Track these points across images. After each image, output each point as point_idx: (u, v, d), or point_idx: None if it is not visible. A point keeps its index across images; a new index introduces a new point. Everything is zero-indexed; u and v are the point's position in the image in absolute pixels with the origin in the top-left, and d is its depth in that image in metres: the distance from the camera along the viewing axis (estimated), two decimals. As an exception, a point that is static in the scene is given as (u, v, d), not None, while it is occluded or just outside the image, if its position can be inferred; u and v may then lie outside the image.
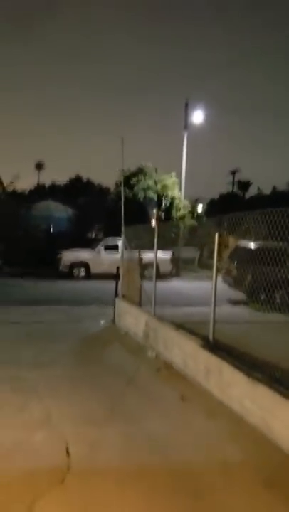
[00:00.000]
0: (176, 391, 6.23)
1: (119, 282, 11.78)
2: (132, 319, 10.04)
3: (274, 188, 55.01)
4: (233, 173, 62.92)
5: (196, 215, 52.14)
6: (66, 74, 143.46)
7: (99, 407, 5.54)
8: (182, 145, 25.62)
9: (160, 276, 20.13)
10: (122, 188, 13.28)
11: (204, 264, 20.89)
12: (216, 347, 6.48)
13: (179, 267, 23.89)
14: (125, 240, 11.77)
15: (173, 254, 22.40)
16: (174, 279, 22.12)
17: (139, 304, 10.24)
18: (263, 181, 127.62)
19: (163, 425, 5.13)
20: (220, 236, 6.86)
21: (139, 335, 9.33)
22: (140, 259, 11.13)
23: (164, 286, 17.30)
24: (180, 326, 7.84)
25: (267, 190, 56.83)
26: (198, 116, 25.68)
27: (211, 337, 6.65)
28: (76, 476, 3.91)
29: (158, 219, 21.37)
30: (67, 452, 4.31)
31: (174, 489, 3.79)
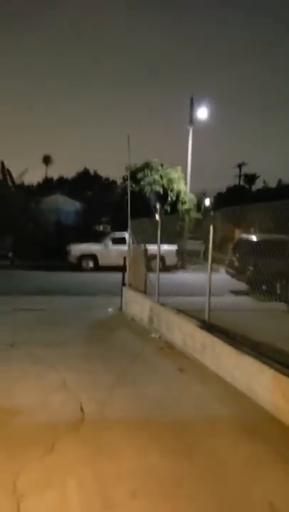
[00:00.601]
0: (176, 364, 7.07)
1: (126, 272, 12.60)
2: (138, 306, 10.88)
3: (279, 181, 55.61)
4: (240, 166, 63.45)
5: (203, 208, 52.73)
6: (73, 68, 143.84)
7: (108, 376, 6.40)
8: (190, 137, 26.33)
9: (166, 268, 21.09)
10: (128, 184, 14.05)
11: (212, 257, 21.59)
12: (211, 327, 7.31)
13: (184, 260, 24.70)
14: (131, 233, 12.57)
15: (178, 247, 23.20)
16: (179, 271, 22.96)
17: (145, 292, 11.06)
18: (269, 174, 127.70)
19: (163, 390, 5.98)
20: (215, 229, 7.64)
21: (145, 320, 10.17)
22: (145, 251, 11.96)
23: (169, 277, 18.14)
24: (180, 311, 8.67)
25: (272, 184, 57.47)
26: (203, 112, 26.28)
27: (207, 318, 7.47)
28: (89, 426, 4.77)
29: (161, 213, 22.20)
30: (81, 409, 5.17)
31: (168, 433, 4.64)
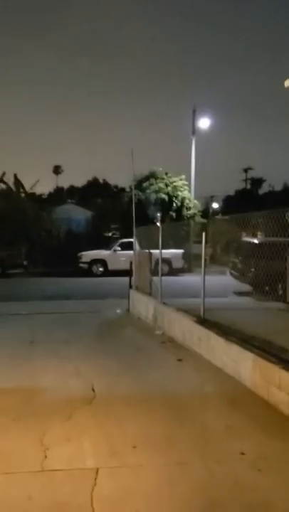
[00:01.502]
0: (175, 356, 8.06)
1: (132, 276, 13.63)
2: (144, 306, 11.90)
3: (285, 184, 56.44)
4: (246, 170, 64.37)
5: (211, 211, 53.56)
6: (83, 78, 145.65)
7: (115, 365, 7.42)
8: (193, 147, 27.41)
9: (173, 271, 22.08)
10: (132, 195, 15.08)
11: (217, 261, 22.55)
12: (205, 322, 8.30)
13: (190, 263, 25.68)
14: (136, 239, 13.60)
15: (184, 250, 24.19)
16: (186, 274, 23.93)
17: (150, 294, 12.06)
18: (274, 178, 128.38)
19: (162, 375, 6.99)
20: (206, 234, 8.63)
21: (149, 318, 11.18)
22: (150, 256, 12.96)
23: (175, 280, 19.16)
24: (180, 309, 9.65)
25: (278, 187, 58.31)
26: (205, 122, 27.41)
27: (202, 314, 8.47)
28: (99, 401, 5.80)
29: (165, 220, 23.28)
30: (93, 390, 6.20)
31: (165, 407, 5.63)
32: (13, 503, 3.58)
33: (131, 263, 13.87)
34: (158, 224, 11.85)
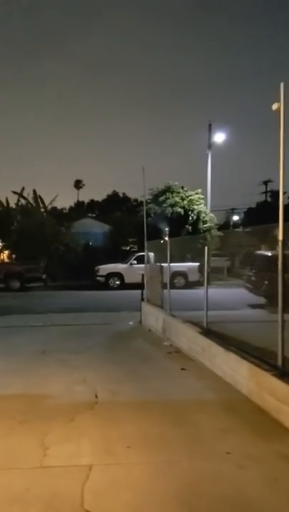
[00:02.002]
0: (180, 365, 8.39)
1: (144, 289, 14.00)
2: (154, 318, 12.26)
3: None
4: (266, 183, 64.37)
5: (232, 224, 53.53)
6: (101, 93, 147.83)
7: (120, 374, 7.78)
8: (209, 161, 27.86)
9: (189, 284, 22.38)
10: (144, 210, 15.49)
11: (235, 273, 22.75)
12: (209, 332, 8.62)
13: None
14: (149, 252, 13.99)
15: (200, 264, 24.46)
16: (202, 287, 24.18)
17: (161, 307, 12.40)
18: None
19: (165, 383, 7.32)
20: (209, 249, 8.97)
21: (159, 330, 11.52)
22: (161, 269, 13.31)
23: (190, 292, 19.38)
24: (187, 320, 9.97)
25: (298, 199, 58.10)
26: (220, 137, 27.85)
27: (205, 326, 8.80)
28: (101, 406, 6.18)
29: (177, 235, 23.62)
30: (96, 396, 6.58)
31: (164, 412, 5.97)
32: (12, 494, 3.97)
33: (143, 276, 14.25)
34: (166, 238, 12.17)
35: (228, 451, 4.78)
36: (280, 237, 6.05)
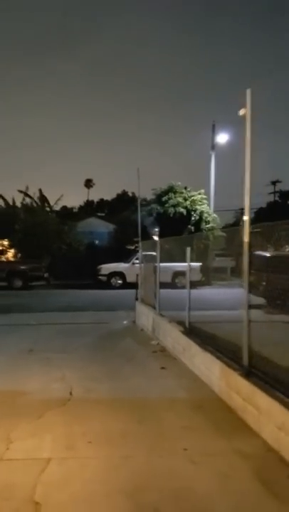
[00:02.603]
0: (161, 364, 8.53)
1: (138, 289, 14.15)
2: (145, 318, 12.41)
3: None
4: (274, 183, 64.22)
5: (241, 224, 53.41)
6: (107, 93, 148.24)
7: (100, 373, 7.94)
8: (216, 161, 27.96)
9: (191, 284, 22.42)
10: (138, 212, 15.63)
11: (238, 274, 22.71)
12: (190, 332, 8.75)
13: (209, 276, 25.99)
14: (141, 253, 14.15)
15: (202, 264, 24.55)
16: (204, 287, 24.29)
17: (153, 306, 12.53)
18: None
19: (141, 382, 7.47)
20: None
21: (150, 329, 11.67)
22: (154, 269, 13.44)
23: (191, 292, 19.40)
24: (173, 320, 10.10)
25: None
26: (223, 137, 27.89)
27: (187, 325, 8.93)
28: (73, 403, 6.35)
29: (179, 234, 23.73)
30: (71, 393, 6.75)
31: (132, 409, 6.11)
32: None
33: (137, 276, 14.40)
34: (155, 238, 12.32)
35: (185, 448, 4.92)
36: (246, 239, 6.16)
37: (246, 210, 6.20)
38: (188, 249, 9.13)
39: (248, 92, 5.87)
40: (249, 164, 5.98)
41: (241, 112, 5.96)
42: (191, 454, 4.79)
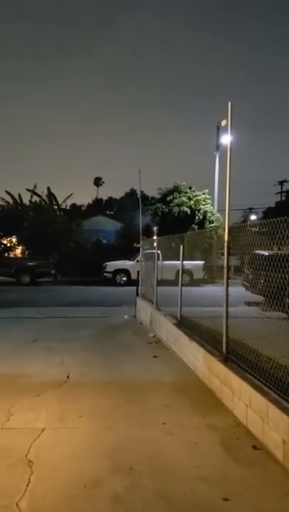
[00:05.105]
0: (154, 353, 9.20)
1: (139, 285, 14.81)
2: (144, 312, 13.07)
3: None
4: (281, 183, 64.45)
5: (249, 223, 53.79)
6: (116, 94, 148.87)
7: (96, 360, 8.63)
8: (221, 162, 28.48)
9: (194, 281, 23.08)
10: (139, 210, 16.28)
11: (241, 272, 23.29)
12: (181, 324, 9.41)
13: (212, 274, 26.58)
14: (142, 250, 14.81)
15: (205, 262, 25.18)
16: (207, 284, 24.91)
17: (152, 302, 13.19)
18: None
19: (133, 368, 8.15)
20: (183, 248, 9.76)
21: (148, 323, 12.34)
22: (154, 266, 14.09)
23: (193, 290, 20.01)
24: (168, 314, 10.76)
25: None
26: (227, 139, 28.37)
27: (178, 318, 9.59)
28: (69, 385, 7.05)
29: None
30: (68, 376, 7.45)
31: (121, 390, 6.79)
32: (-28, 447, 4.86)
33: (138, 273, 15.07)
34: (154, 237, 12.95)
35: (164, 422, 5.59)
36: (226, 237, 6.79)
37: (226, 212, 6.80)
38: (181, 247, 9.74)
39: (229, 104, 6.51)
40: (229, 172, 6.62)
41: (223, 123, 6.60)
42: (168, 427, 5.46)
